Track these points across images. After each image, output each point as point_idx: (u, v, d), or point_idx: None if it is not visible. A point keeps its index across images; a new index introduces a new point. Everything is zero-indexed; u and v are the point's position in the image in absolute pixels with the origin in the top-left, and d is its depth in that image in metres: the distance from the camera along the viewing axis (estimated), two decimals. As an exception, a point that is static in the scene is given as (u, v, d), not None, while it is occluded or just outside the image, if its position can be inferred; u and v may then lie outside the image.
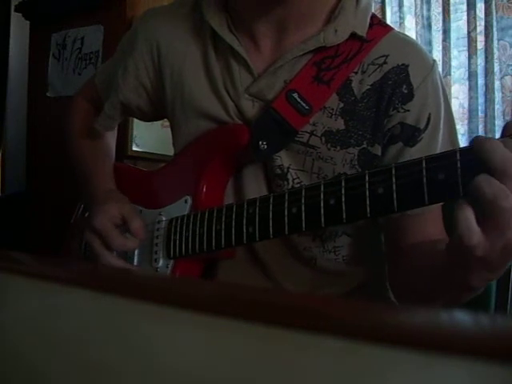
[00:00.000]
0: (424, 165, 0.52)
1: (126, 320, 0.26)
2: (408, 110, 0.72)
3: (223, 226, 0.69)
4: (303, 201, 0.61)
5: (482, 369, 0.16)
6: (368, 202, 0.55)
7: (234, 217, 0.68)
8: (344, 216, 0.58)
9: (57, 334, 0.29)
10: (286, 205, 0.62)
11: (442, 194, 0.52)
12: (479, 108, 2.00)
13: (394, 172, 0.54)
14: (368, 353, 0.18)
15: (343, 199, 0.57)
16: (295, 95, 0.71)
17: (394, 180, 0.54)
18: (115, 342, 0.26)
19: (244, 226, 0.66)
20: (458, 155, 0.51)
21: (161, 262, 0.78)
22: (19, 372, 0.30)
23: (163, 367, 0.23)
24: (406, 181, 0.53)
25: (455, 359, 0.17)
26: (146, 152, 1.80)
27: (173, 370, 0.23)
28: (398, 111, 0.72)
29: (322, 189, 0.60)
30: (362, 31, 0.72)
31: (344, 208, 0.57)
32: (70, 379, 0.27)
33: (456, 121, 2.21)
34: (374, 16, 0.76)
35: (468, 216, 0.50)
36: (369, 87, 0.72)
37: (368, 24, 0.74)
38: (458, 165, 0.50)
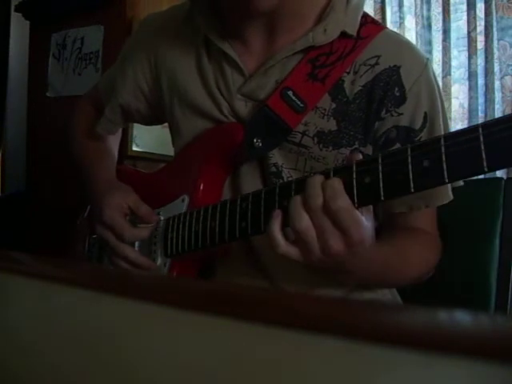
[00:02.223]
0: (409, 152, 0.53)
1: (126, 320, 0.26)
2: (401, 114, 0.72)
3: (217, 222, 0.70)
4: (293, 194, 0.61)
5: (481, 369, 0.16)
6: (355, 192, 0.56)
7: (227, 212, 0.69)
8: None
9: (57, 333, 0.29)
10: (277, 198, 0.63)
11: (426, 180, 0.52)
12: (479, 108, 2.00)
13: (380, 161, 0.55)
14: (368, 353, 0.18)
15: None
16: (290, 93, 0.72)
17: (380, 168, 0.54)
18: (115, 341, 0.26)
19: (237, 221, 0.67)
20: (442, 141, 0.51)
21: (159, 261, 0.79)
22: (20, 370, 0.30)
23: (163, 366, 0.23)
24: (392, 169, 0.54)
25: (455, 359, 0.17)
26: (146, 152, 1.80)
27: (172, 369, 0.23)
28: (392, 115, 0.72)
29: None
30: (352, 30, 0.73)
31: None
32: (70, 377, 0.27)
33: (456, 121, 2.19)
34: (366, 15, 0.76)
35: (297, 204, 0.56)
36: (360, 88, 0.73)
37: (358, 23, 0.74)
38: (443, 150, 0.50)
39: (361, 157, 0.58)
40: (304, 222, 0.56)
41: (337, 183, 0.55)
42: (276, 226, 0.58)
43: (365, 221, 0.56)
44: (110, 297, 0.27)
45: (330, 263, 0.58)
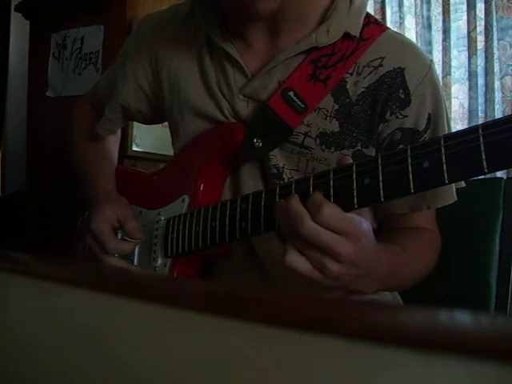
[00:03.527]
0: (409, 153, 0.53)
1: (126, 320, 0.26)
2: (406, 116, 0.72)
3: (217, 223, 0.70)
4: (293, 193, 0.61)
5: (481, 369, 0.16)
6: (355, 193, 0.56)
7: (227, 213, 0.69)
8: None
9: (56, 333, 0.29)
10: (277, 199, 0.63)
11: (426, 181, 0.52)
12: (479, 108, 2.00)
13: (380, 161, 0.55)
14: (368, 353, 0.18)
15: (331, 191, 0.57)
16: (291, 93, 0.72)
17: (380, 169, 0.54)
18: (115, 341, 0.26)
19: (237, 222, 0.67)
20: (442, 141, 0.51)
21: (159, 261, 0.79)
22: (20, 370, 0.30)
23: (163, 366, 0.23)
24: (392, 169, 0.54)
25: (455, 359, 0.17)
26: (146, 152, 1.80)
27: (172, 369, 0.23)
28: (397, 117, 0.72)
29: (312, 181, 0.60)
30: (355, 31, 0.72)
31: (332, 200, 0.57)
32: (70, 377, 0.27)
33: (456, 121, 2.19)
34: (369, 15, 0.76)
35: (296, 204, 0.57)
36: (364, 89, 0.72)
37: (361, 24, 0.73)
38: (443, 151, 0.50)
39: (350, 160, 0.58)
40: (298, 246, 0.56)
41: (315, 196, 0.56)
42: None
43: (355, 215, 0.56)
44: (110, 297, 0.27)
45: (346, 272, 0.57)
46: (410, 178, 0.52)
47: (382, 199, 0.54)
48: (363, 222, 0.57)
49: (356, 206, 0.56)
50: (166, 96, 0.84)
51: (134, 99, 0.87)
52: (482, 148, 0.48)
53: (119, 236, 0.81)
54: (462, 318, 0.20)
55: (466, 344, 0.17)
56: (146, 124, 1.01)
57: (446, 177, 0.50)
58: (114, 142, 1.00)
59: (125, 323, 0.26)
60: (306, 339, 0.20)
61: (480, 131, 0.48)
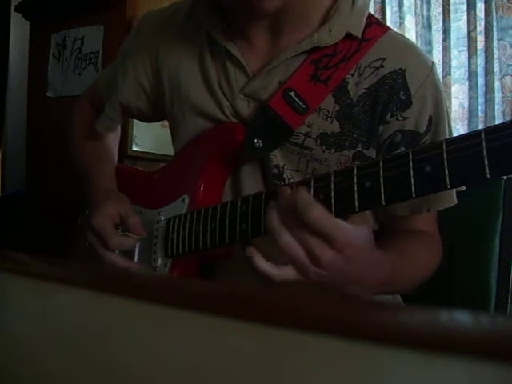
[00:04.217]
0: (411, 157, 0.52)
1: (126, 320, 0.26)
2: (407, 118, 0.72)
3: (218, 224, 0.69)
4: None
5: (481, 369, 0.16)
6: (356, 196, 0.55)
7: (227, 214, 0.68)
8: (333, 210, 0.58)
9: (56, 333, 0.29)
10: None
11: (428, 185, 0.52)
12: (479, 108, 2.00)
13: (381, 165, 0.54)
14: (368, 353, 0.18)
15: (332, 194, 0.57)
16: (292, 94, 0.72)
17: (381, 173, 0.54)
18: (115, 341, 0.26)
19: (237, 223, 0.67)
20: (444, 146, 0.51)
21: (159, 262, 0.79)
22: (19, 370, 0.30)
23: (162, 366, 0.23)
24: (393, 173, 0.53)
25: (455, 359, 0.17)
26: (146, 152, 1.80)
27: (172, 370, 0.23)
28: (397, 119, 0.72)
29: (312, 184, 0.60)
30: (358, 32, 0.72)
31: (333, 202, 0.57)
32: (71, 376, 0.27)
33: (456, 121, 2.19)
34: (371, 16, 0.76)
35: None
36: (365, 90, 0.72)
37: (363, 25, 0.73)
38: (445, 156, 0.50)
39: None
40: (284, 237, 0.55)
41: (306, 194, 0.55)
42: (260, 263, 0.57)
43: (346, 224, 0.55)
44: (110, 297, 0.27)
45: (330, 277, 0.55)
46: (412, 182, 0.52)
47: (384, 203, 0.54)
48: (353, 231, 0.55)
49: (357, 210, 0.56)
50: (167, 94, 0.83)
51: (133, 97, 0.87)
52: (485, 153, 0.48)
53: (119, 232, 0.81)
54: (462, 317, 0.20)
55: (466, 344, 0.17)
56: (146, 122, 1.01)
57: (447, 182, 0.50)
58: (113, 140, 0.99)
59: (125, 323, 0.26)
60: (306, 339, 0.20)
61: (483, 136, 0.48)
